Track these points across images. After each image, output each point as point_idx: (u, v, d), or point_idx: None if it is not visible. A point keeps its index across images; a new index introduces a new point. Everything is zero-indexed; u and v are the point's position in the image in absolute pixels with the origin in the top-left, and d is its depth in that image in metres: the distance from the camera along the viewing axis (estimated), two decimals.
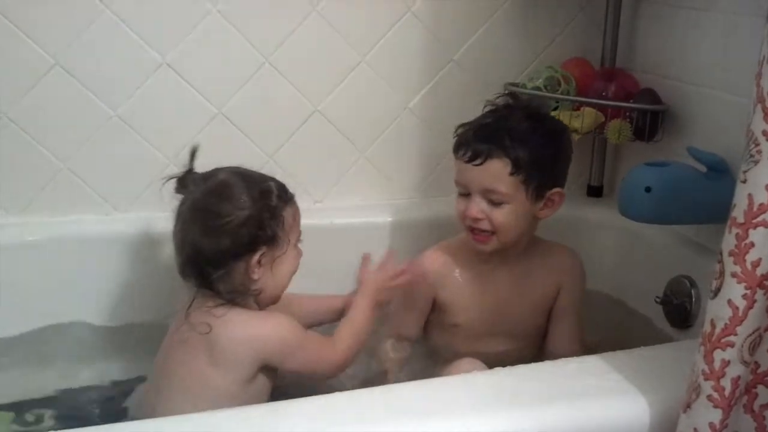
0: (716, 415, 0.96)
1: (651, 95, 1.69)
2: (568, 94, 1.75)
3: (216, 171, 1.30)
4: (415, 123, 1.84)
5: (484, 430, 1.04)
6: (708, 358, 0.95)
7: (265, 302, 1.32)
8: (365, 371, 1.49)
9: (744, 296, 0.92)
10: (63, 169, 1.66)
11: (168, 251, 1.39)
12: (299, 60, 1.73)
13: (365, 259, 1.48)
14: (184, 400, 1.22)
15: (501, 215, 1.39)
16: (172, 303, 1.35)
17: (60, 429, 1.28)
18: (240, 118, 1.73)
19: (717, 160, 1.46)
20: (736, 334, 0.93)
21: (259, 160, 1.75)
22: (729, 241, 0.93)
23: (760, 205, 0.90)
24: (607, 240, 1.79)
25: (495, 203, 1.39)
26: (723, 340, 0.94)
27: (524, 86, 1.77)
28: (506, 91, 1.62)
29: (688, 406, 0.98)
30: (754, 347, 0.96)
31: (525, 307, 1.50)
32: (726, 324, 0.93)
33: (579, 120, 1.72)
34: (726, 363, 0.94)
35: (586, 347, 1.48)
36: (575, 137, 1.73)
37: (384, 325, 1.58)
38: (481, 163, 1.38)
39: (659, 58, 1.73)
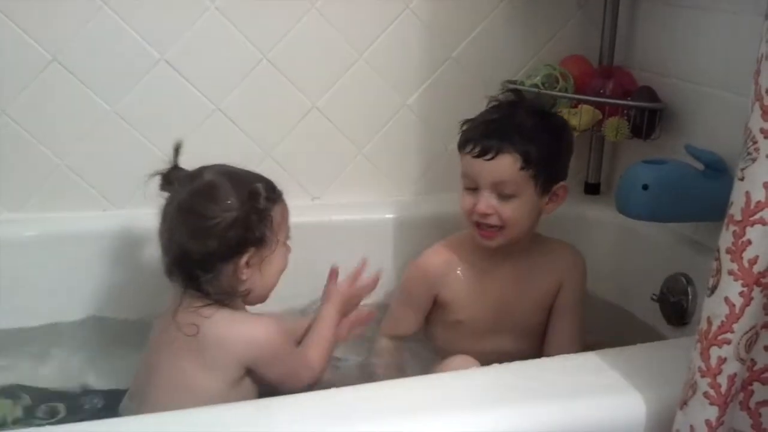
0: (712, 412, 0.96)
1: (649, 93, 1.69)
2: (566, 91, 1.75)
3: (202, 170, 1.28)
4: (414, 120, 1.85)
5: (481, 427, 1.04)
6: (704, 356, 0.95)
7: (253, 301, 1.31)
8: (358, 369, 1.50)
9: (741, 294, 0.92)
10: (60, 166, 1.66)
11: None
12: (297, 57, 1.73)
13: (332, 272, 1.44)
14: (171, 400, 1.20)
15: (510, 209, 1.40)
16: (169, 299, 1.35)
17: (51, 424, 1.29)
18: (238, 114, 1.73)
19: (714, 158, 1.47)
20: (732, 332, 0.93)
21: (257, 157, 1.75)
22: (726, 239, 0.93)
23: (758, 202, 0.90)
24: (604, 237, 1.79)
25: (505, 198, 1.40)
26: (719, 338, 0.94)
27: (522, 84, 1.77)
28: (508, 88, 1.62)
29: (685, 403, 0.98)
30: (750, 345, 0.96)
31: (527, 304, 1.51)
32: (723, 321, 0.94)
33: (577, 117, 1.72)
34: (722, 360, 0.95)
35: (586, 346, 1.48)
36: (574, 137, 1.73)
37: (381, 322, 1.58)
38: (492, 158, 1.38)
39: (657, 56, 1.73)
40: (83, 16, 1.59)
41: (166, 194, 1.28)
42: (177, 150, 1.30)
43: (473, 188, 1.42)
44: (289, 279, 1.66)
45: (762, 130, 0.89)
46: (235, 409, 1.09)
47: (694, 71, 1.61)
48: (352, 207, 1.82)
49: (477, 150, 1.40)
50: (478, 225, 1.43)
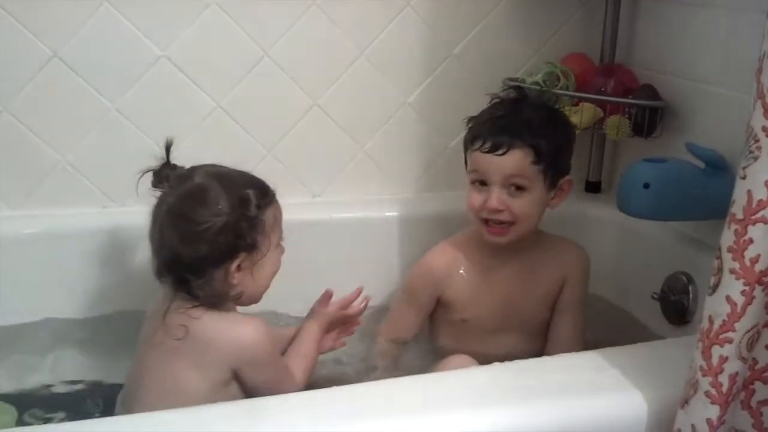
0: (714, 412, 0.96)
1: (650, 91, 1.69)
2: (567, 89, 1.75)
3: (192, 172, 1.26)
4: (415, 118, 1.84)
5: (480, 425, 1.03)
6: (706, 355, 0.95)
7: (246, 303, 1.30)
8: (357, 370, 1.49)
9: (742, 292, 0.92)
10: (61, 162, 1.66)
11: None
12: (298, 54, 1.73)
13: (326, 295, 1.42)
14: (161, 401, 1.18)
15: (521, 204, 1.40)
16: (158, 299, 1.34)
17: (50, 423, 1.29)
18: (239, 112, 1.73)
19: (715, 156, 1.46)
20: (734, 331, 0.93)
21: (258, 155, 1.75)
22: (728, 238, 0.93)
23: (759, 201, 0.90)
24: (605, 236, 1.79)
25: (515, 193, 1.40)
26: (721, 337, 0.94)
27: (524, 81, 1.77)
28: (510, 85, 1.62)
29: (686, 402, 0.98)
30: (752, 344, 0.96)
31: (533, 301, 1.51)
32: (724, 320, 0.94)
33: (578, 115, 1.72)
34: (724, 359, 0.94)
35: (586, 344, 1.48)
36: (575, 133, 1.73)
37: (382, 322, 1.58)
38: (504, 153, 1.39)
39: (659, 54, 1.73)
40: (84, 12, 1.59)
41: (158, 191, 1.27)
42: (168, 147, 1.29)
43: (482, 185, 1.42)
44: (289, 277, 1.65)
45: (764, 128, 0.89)
46: (233, 407, 1.09)
47: (696, 69, 1.61)
48: (353, 205, 1.82)
49: (488, 145, 1.40)
50: (486, 222, 1.43)
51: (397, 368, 1.49)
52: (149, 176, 1.28)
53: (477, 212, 1.43)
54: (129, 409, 1.24)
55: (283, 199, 1.76)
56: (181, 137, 1.67)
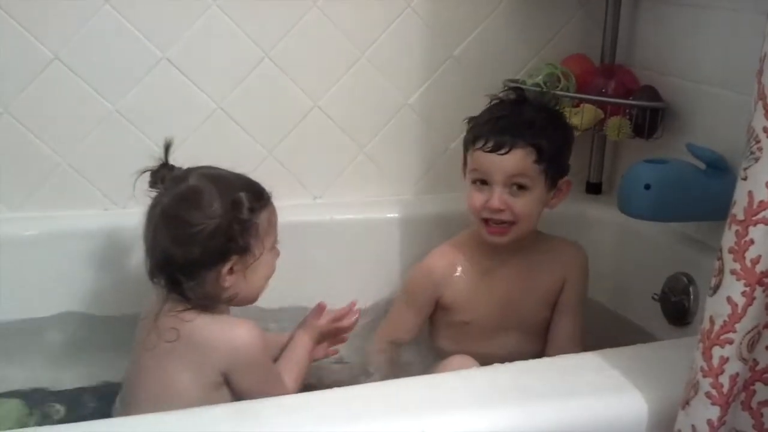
0: (714, 412, 0.96)
1: (651, 92, 1.69)
2: (567, 90, 1.75)
3: (187, 173, 1.26)
4: (415, 119, 1.84)
5: (481, 426, 1.03)
6: (706, 355, 0.95)
7: (241, 304, 1.30)
8: (354, 371, 1.49)
9: (743, 293, 0.92)
10: (62, 164, 1.66)
11: None
12: (299, 55, 1.73)
13: (319, 307, 1.41)
14: (154, 404, 1.19)
15: (522, 204, 1.41)
16: (152, 301, 1.34)
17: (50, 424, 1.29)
18: (239, 113, 1.73)
19: (716, 157, 1.46)
20: (734, 332, 0.93)
21: (259, 156, 1.75)
22: (729, 238, 0.93)
23: (761, 202, 0.90)
24: (606, 237, 1.79)
25: (518, 191, 1.40)
26: (722, 338, 0.94)
27: (524, 83, 1.77)
28: (510, 86, 1.62)
29: (687, 403, 0.98)
30: (752, 344, 0.96)
31: (533, 301, 1.51)
32: (725, 321, 0.93)
33: (578, 117, 1.72)
34: (724, 360, 0.94)
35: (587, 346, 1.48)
36: (575, 134, 1.73)
37: (380, 323, 1.58)
38: (506, 152, 1.39)
39: (659, 55, 1.73)
40: (85, 14, 1.59)
41: (155, 192, 1.27)
42: (167, 148, 1.29)
43: (484, 184, 1.42)
44: (289, 278, 1.66)
45: (765, 129, 0.89)
46: (230, 408, 1.09)
47: (696, 70, 1.61)
48: (354, 206, 1.82)
49: (490, 145, 1.40)
50: (486, 222, 1.43)
51: (392, 369, 1.49)
52: (147, 176, 1.28)
53: (478, 212, 1.43)
54: (126, 412, 1.24)
55: (284, 200, 1.76)
56: (181, 138, 1.68)
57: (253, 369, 1.23)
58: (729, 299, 0.93)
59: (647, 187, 1.44)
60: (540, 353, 1.51)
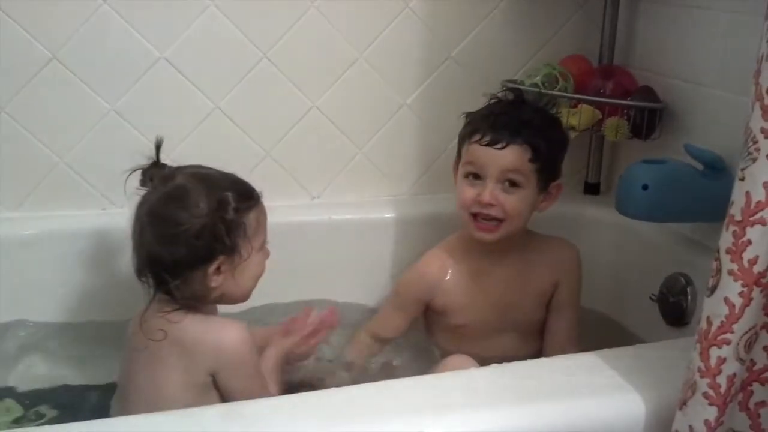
0: (711, 413, 0.96)
1: (649, 93, 1.69)
2: (565, 91, 1.75)
3: (175, 172, 1.25)
4: (413, 119, 1.84)
5: (479, 427, 1.03)
6: (704, 356, 0.95)
7: (230, 303, 1.30)
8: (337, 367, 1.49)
9: (741, 294, 0.92)
10: (59, 164, 1.66)
11: None
12: (297, 56, 1.73)
13: (284, 329, 1.39)
14: (144, 407, 1.18)
15: (513, 201, 1.40)
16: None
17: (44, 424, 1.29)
18: (237, 113, 1.73)
19: (714, 157, 1.46)
20: (732, 332, 0.93)
21: (257, 156, 1.75)
22: (726, 239, 0.93)
23: (758, 202, 0.90)
24: (604, 237, 1.79)
25: (510, 188, 1.40)
26: (719, 338, 0.94)
27: (522, 83, 1.77)
28: (508, 87, 1.62)
29: (684, 403, 0.98)
30: (750, 345, 0.96)
31: (527, 301, 1.51)
32: (722, 321, 0.94)
33: (576, 117, 1.72)
34: (722, 360, 0.94)
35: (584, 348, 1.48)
36: (573, 134, 1.73)
37: (367, 320, 1.58)
38: (503, 147, 1.39)
39: (657, 55, 1.73)
40: (83, 14, 1.59)
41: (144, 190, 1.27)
42: (158, 146, 1.28)
43: (476, 179, 1.42)
44: (287, 278, 1.66)
45: (762, 130, 0.89)
46: (227, 409, 1.09)
47: (694, 71, 1.61)
48: (352, 206, 1.82)
49: (488, 138, 1.40)
50: (475, 218, 1.43)
51: (367, 362, 1.49)
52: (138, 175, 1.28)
53: (468, 206, 1.43)
54: (121, 413, 1.24)
55: (282, 200, 1.77)
56: (179, 139, 1.68)
57: (241, 369, 1.22)
58: (726, 300, 0.93)
59: (645, 187, 1.44)
60: (537, 353, 1.51)
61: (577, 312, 1.54)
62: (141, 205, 1.24)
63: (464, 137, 1.46)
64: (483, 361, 1.27)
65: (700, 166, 1.48)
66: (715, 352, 0.95)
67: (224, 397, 1.23)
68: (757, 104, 0.89)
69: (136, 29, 1.63)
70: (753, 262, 0.91)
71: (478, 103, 1.51)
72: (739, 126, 0.97)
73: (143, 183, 1.27)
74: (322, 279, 1.74)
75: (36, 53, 1.59)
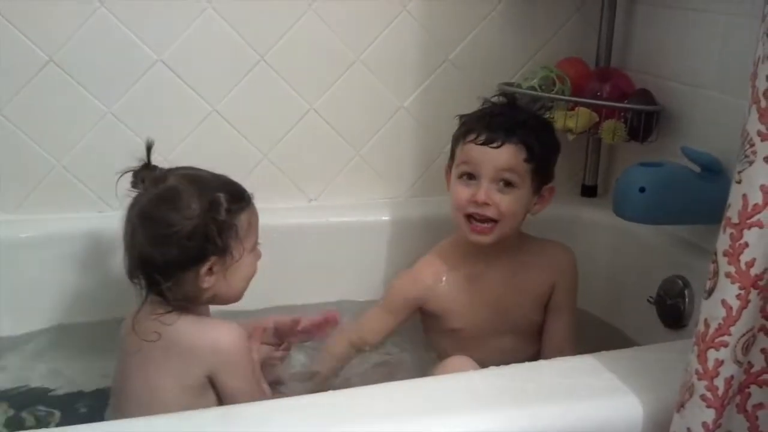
0: (709, 415, 0.96)
1: (646, 95, 1.69)
2: (563, 93, 1.75)
3: (167, 174, 1.25)
4: (410, 122, 1.84)
5: (478, 429, 1.03)
6: (701, 358, 0.95)
7: (221, 303, 1.29)
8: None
9: (738, 296, 0.92)
10: (57, 167, 1.66)
11: None
12: (294, 58, 1.73)
13: (255, 330, 1.38)
14: (140, 411, 1.17)
15: (508, 201, 1.40)
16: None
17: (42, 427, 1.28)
18: (235, 116, 1.73)
19: (711, 160, 1.47)
20: (729, 334, 0.93)
21: (254, 159, 1.75)
22: (723, 241, 0.93)
23: (755, 205, 0.90)
24: (601, 240, 1.79)
25: (505, 188, 1.40)
26: (717, 340, 0.94)
27: (519, 86, 1.77)
28: (501, 92, 1.62)
29: (682, 405, 0.98)
30: (747, 347, 0.96)
31: (523, 304, 1.51)
32: (720, 324, 0.94)
33: (573, 120, 1.72)
34: (719, 363, 0.95)
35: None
36: (570, 137, 1.73)
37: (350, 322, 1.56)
38: (498, 146, 1.39)
39: (654, 58, 1.73)
40: (80, 16, 1.59)
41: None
42: (149, 148, 1.28)
43: (471, 178, 1.42)
44: (285, 280, 1.66)
45: (759, 133, 0.89)
46: (230, 411, 1.09)
47: (691, 73, 1.62)
48: (349, 208, 1.82)
49: (483, 138, 1.40)
50: (470, 221, 1.43)
51: (338, 369, 1.47)
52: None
53: (463, 207, 1.43)
54: (116, 416, 1.24)
55: (279, 203, 1.77)
56: (176, 141, 1.69)
57: (238, 369, 1.23)
58: (724, 302, 0.93)
59: (642, 190, 1.44)
60: (535, 355, 1.51)
61: (574, 314, 1.54)
62: (132, 207, 1.24)
63: (458, 138, 1.46)
64: (481, 364, 1.27)
65: (697, 169, 1.49)
66: (712, 355, 0.95)
67: (222, 397, 1.23)
68: (754, 107, 0.89)
69: (133, 32, 1.63)
70: (750, 264, 0.91)
71: (475, 105, 1.52)
72: (736, 128, 0.97)
73: (135, 185, 1.26)
74: (319, 281, 1.74)
75: (33, 56, 1.59)
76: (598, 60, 1.84)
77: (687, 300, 1.52)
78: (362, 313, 1.56)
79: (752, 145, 0.90)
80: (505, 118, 1.43)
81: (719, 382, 0.95)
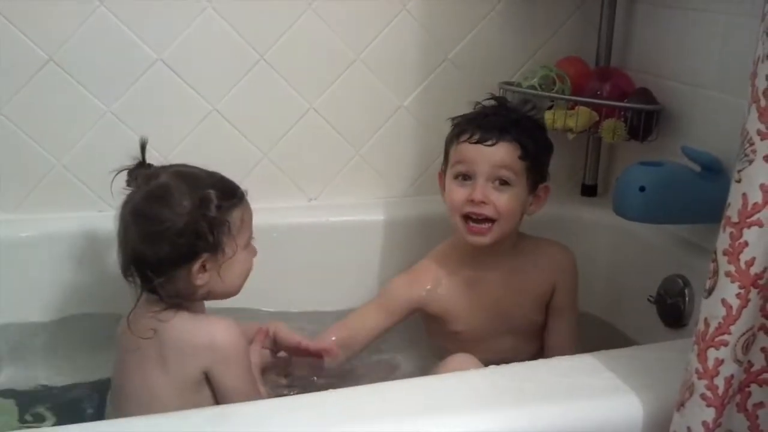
0: (709, 414, 0.96)
1: (646, 95, 1.69)
2: (562, 93, 1.75)
3: (159, 171, 1.25)
4: (410, 121, 1.84)
5: (478, 428, 1.03)
6: (701, 357, 0.95)
7: (217, 298, 1.29)
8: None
9: (738, 295, 0.92)
10: (56, 166, 1.66)
11: None
12: (294, 58, 1.73)
13: (259, 332, 1.40)
14: (138, 408, 1.19)
15: (505, 199, 1.40)
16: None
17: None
18: (235, 115, 1.73)
19: (711, 159, 1.47)
20: (729, 333, 0.93)
21: (254, 158, 1.75)
22: (723, 241, 0.93)
23: (755, 204, 0.90)
24: (601, 239, 1.79)
25: (501, 186, 1.40)
26: (717, 339, 0.94)
27: (519, 85, 1.77)
28: (492, 95, 1.62)
29: (682, 404, 0.98)
30: (747, 346, 0.96)
31: (523, 304, 1.51)
32: (720, 323, 0.94)
33: (573, 119, 1.72)
34: (719, 362, 0.95)
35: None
36: (570, 136, 1.73)
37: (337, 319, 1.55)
38: (493, 144, 1.40)
39: (654, 57, 1.73)
40: (80, 16, 1.59)
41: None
42: (143, 147, 1.28)
43: (467, 179, 1.42)
44: (284, 280, 1.66)
45: (759, 132, 0.89)
46: (228, 410, 1.09)
47: (691, 73, 1.62)
48: (349, 208, 1.82)
49: (477, 136, 1.41)
50: (467, 221, 1.42)
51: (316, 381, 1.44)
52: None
53: (459, 207, 1.42)
54: (115, 414, 1.24)
55: (279, 202, 1.77)
56: (176, 140, 1.69)
57: (234, 365, 1.22)
58: (724, 301, 0.93)
59: (642, 189, 1.44)
60: (537, 353, 1.51)
61: (575, 313, 1.54)
62: (125, 205, 1.24)
63: (451, 139, 1.46)
64: (483, 364, 1.28)
65: (697, 168, 1.49)
66: (712, 354, 0.95)
67: (217, 393, 1.23)
68: (754, 106, 0.89)
69: (133, 31, 1.63)
70: (750, 263, 0.91)
71: (475, 105, 1.51)
72: (736, 128, 0.97)
73: (129, 183, 1.27)
74: (319, 281, 1.74)
75: (33, 55, 1.59)
76: (598, 59, 1.84)
77: (687, 299, 1.52)
78: (353, 311, 1.55)
79: (752, 144, 0.90)
80: (498, 118, 1.44)
81: (719, 381, 0.95)
